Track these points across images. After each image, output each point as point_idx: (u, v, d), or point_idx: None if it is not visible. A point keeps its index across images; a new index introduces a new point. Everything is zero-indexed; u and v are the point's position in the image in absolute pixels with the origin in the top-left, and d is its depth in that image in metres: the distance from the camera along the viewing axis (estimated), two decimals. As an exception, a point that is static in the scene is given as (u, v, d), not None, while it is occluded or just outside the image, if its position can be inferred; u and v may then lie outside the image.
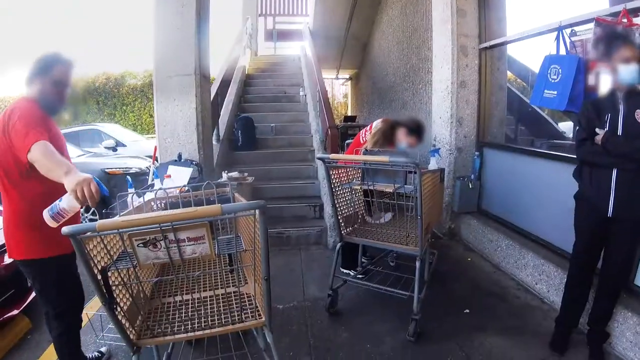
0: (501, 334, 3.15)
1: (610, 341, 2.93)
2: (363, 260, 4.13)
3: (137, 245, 1.59)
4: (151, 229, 1.55)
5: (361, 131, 4.08)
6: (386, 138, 3.75)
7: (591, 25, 3.28)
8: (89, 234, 1.50)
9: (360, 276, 3.91)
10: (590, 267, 2.84)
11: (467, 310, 3.49)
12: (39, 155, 1.97)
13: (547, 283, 3.68)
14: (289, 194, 6.18)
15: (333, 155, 3.16)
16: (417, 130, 3.77)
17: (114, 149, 9.36)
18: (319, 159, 3.21)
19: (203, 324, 1.96)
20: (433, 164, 4.20)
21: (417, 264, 3.05)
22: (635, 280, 2.96)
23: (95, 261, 1.65)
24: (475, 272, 4.32)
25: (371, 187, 3.20)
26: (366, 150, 3.53)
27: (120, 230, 1.51)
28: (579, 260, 2.88)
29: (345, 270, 4.11)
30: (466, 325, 3.28)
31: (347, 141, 7.77)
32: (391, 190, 3.09)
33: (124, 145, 9.71)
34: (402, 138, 3.75)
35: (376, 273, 3.93)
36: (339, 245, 3.46)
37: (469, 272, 4.30)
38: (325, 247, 5.13)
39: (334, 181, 3.27)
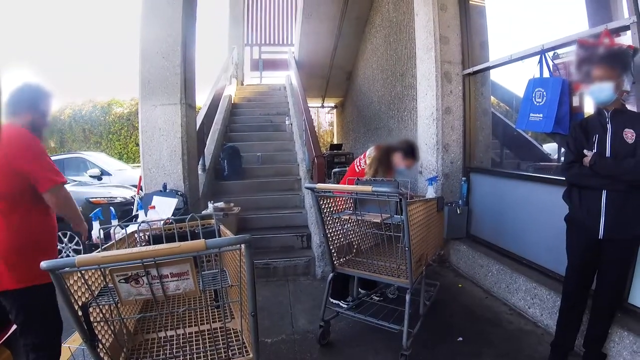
0: (496, 361, 3.10)
1: (607, 362, 2.88)
2: (360, 291, 4.04)
3: (119, 281, 1.53)
4: (133, 265, 1.49)
5: (355, 160, 4.10)
6: (383, 164, 3.79)
7: (573, 47, 3.32)
8: (67, 269, 1.45)
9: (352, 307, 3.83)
10: (584, 289, 2.81)
11: (461, 338, 3.42)
12: (65, 198, 2.39)
13: (540, 307, 3.63)
14: (276, 224, 6.11)
15: (320, 185, 3.11)
16: (411, 151, 3.85)
17: (99, 178, 9.26)
18: (308, 188, 3.17)
19: None
20: (431, 193, 4.15)
21: (407, 297, 2.96)
22: (630, 299, 2.93)
23: (76, 297, 1.59)
24: (467, 299, 4.26)
25: (360, 218, 3.19)
26: (358, 179, 3.51)
27: (101, 265, 1.45)
28: (572, 282, 2.86)
29: (334, 301, 4.04)
30: (460, 353, 3.21)
31: (334, 170, 7.80)
32: (379, 221, 3.06)
33: (109, 174, 9.61)
34: (399, 162, 3.82)
35: (371, 304, 3.82)
36: (330, 275, 3.39)
37: (460, 299, 4.24)
38: (314, 278, 5.04)
39: (324, 211, 3.22)
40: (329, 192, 3.14)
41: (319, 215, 3.21)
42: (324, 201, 3.21)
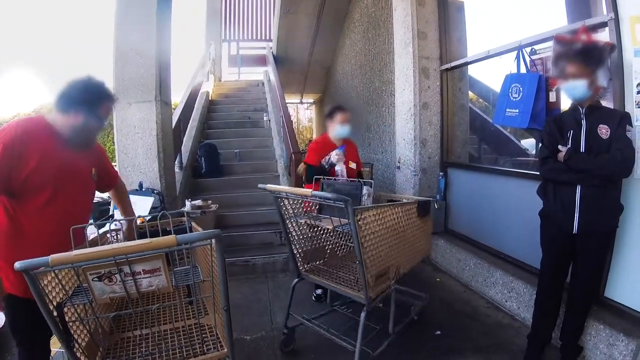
0: (474, 354, 3.12)
1: (584, 354, 2.93)
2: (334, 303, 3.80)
3: (92, 280, 1.52)
4: (105, 262, 1.47)
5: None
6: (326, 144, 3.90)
7: (550, 43, 3.36)
8: (42, 269, 1.43)
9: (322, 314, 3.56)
10: (558, 283, 2.86)
11: (439, 332, 3.45)
12: None
13: (517, 300, 3.68)
14: (255, 221, 6.09)
15: (269, 186, 2.87)
16: (336, 108, 3.93)
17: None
18: (260, 188, 2.92)
19: (164, 358, 1.89)
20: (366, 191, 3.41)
21: (362, 315, 2.66)
22: (606, 293, 2.97)
23: (51, 297, 1.59)
24: (445, 292, 4.29)
25: (315, 223, 3.00)
26: (325, 179, 3.43)
27: (74, 264, 1.43)
28: (547, 276, 2.90)
29: (318, 291, 4.07)
30: (438, 347, 3.24)
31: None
32: (330, 227, 2.87)
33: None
34: (334, 125, 3.87)
35: (343, 315, 3.53)
36: (295, 281, 3.22)
37: (438, 293, 4.27)
38: (293, 275, 5.00)
39: (285, 212, 3.02)
40: (284, 193, 2.91)
41: (280, 216, 3.03)
42: (285, 202, 2.97)
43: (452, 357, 3.11)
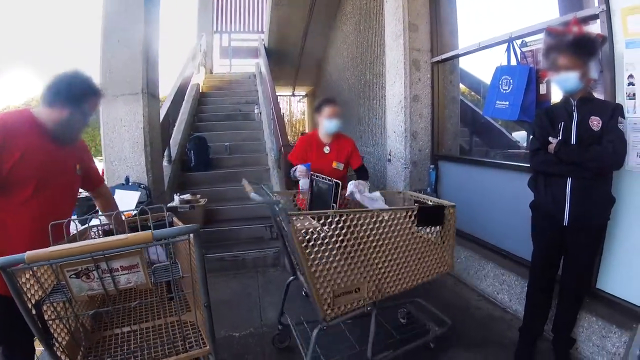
0: (466, 347, 3.11)
1: (576, 347, 2.92)
2: None
3: (70, 277, 1.49)
4: (82, 259, 1.44)
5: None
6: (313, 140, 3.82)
7: (541, 35, 3.35)
8: (21, 265, 1.39)
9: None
10: (550, 275, 2.84)
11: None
12: None
13: (509, 292, 3.68)
14: (245, 215, 6.02)
15: (245, 182, 2.79)
16: (324, 101, 3.77)
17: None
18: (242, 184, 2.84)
19: (146, 357, 1.86)
20: (376, 196, 3.01)
21: (313, 333, 2.37)
22: (598, 285, 2.96)
23: (29, 295, 1.56)
24: (436, 285, 4.25)
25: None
26: (316, 175, 3.39)
27: (51, 261, 1.41)
28: (538, 268, 2.89)
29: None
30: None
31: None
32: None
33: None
34: (323, 119, 3.72)
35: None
36: (290, 279, 3.09)
37: (429, 286, 4.21)
38: (283, 269, 4.97)
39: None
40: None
41: (272, 213, 2.88)
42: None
43: (443, 351, 3.08)
